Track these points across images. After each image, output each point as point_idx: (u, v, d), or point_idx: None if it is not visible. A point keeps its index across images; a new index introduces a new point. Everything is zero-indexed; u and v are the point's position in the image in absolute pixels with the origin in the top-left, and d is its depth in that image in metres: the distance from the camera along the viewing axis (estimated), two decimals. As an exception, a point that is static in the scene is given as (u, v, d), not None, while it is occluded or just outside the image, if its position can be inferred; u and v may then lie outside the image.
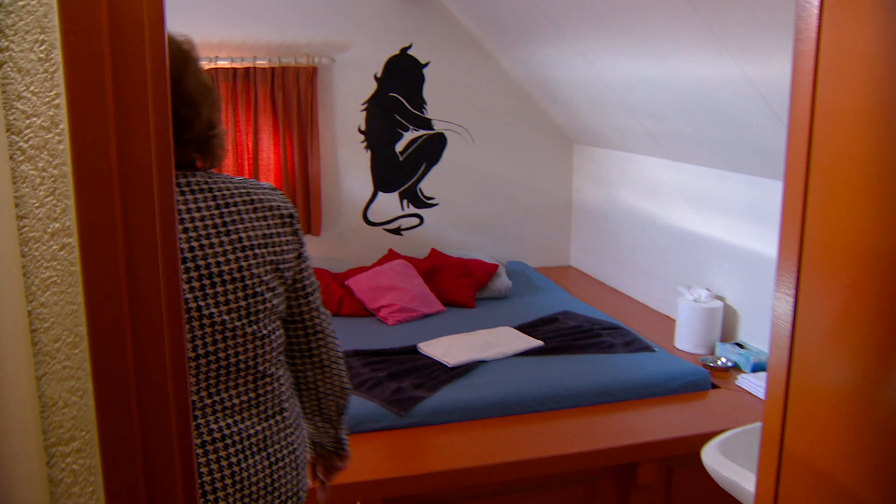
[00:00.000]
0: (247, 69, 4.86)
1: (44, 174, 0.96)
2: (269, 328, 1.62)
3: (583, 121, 5.01)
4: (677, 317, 3.98)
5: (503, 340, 3.84)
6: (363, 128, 5.21)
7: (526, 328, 4.06)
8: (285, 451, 1.67)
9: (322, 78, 5.06)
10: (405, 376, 3.44)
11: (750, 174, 3.71)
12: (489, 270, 4.75)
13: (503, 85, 5.33)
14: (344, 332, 4.06)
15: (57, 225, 0.98)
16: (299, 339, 1.76)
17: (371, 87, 5.15)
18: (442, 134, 5.32)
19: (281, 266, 1.62)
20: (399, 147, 5.29)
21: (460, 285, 4.62)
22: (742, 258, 3.82)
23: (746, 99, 3.14)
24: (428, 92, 5.23)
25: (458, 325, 4.18)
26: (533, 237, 5.62)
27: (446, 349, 3.71)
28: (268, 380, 1.65)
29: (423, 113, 5.26)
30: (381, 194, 5.34)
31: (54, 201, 0.97)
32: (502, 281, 4.76)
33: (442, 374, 3.48)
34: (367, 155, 5.26)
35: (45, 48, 0.94)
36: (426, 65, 5.18)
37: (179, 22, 4.75)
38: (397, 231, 5.40)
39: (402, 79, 5.17)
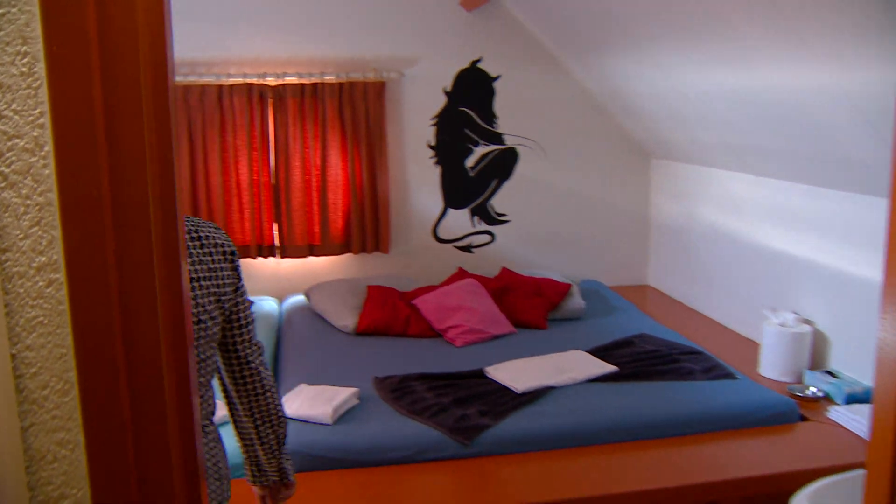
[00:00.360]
0: (315, 85, 4.81)
1: (28, 202, 0.86)
2: (206, 354, 1.74)
3: (660, 134, 4.80)
4: (762, 342, 3.73)
5: (575, 365, 3.66)
6: (433, 143, 5.11)
7: (599, 352, 3.87)
8: (210, 463, 1.79)
9: (391, 93, 4.98)
10: (471, 402, 3.30)
11: (841, 190, 3.46)
12: (562, 290, 4.57)
13: (577, 97, 5.16)
14: (409, 353, 3.96)
15: (43, 259, 0.87)
16: (232, 369, 1.86)
17: (440, 102, 5.04)
18: (513, 149, 5.17)
19: (222, 298, 1.76)
20: (469, 162, 5.16)
21: (531, 305, 4.45)
22: (832, 279, 3.56)
23: (838, 110, 2.90)
24: (499, 106, 5.10)
25: (529, 347, 4.01)
26: (608, 255, 5.42)
27: (515, 374, 3.55)
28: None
29: (493, 127, 5.12)
30: (451, 211, 5.22)
31: (40, 232, 0.86)
32: (575, 301, 4.58)
33: (509, 400, 3.32)
34: (437, 171, 5.15)
35: (28, 61, 0.83)
36: (497, 78, 5.05)
37: (247, 39, 4.75)
38: (468, 248, 5.26)
39: (472, 92, 5.05)
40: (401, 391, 3.43)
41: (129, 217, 0.88)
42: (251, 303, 1.91)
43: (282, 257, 5.05)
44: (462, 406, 3.26)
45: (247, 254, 4.98)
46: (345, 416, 3.21)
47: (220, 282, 1.75)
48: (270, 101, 4.82)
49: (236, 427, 1.96)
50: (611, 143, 5.27)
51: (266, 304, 4.89)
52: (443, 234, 5.24)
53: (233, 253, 1.81)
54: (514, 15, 4.95)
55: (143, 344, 0.91)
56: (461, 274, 4.83)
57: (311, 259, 5.11)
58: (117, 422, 0.91)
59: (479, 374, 3.62)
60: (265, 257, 5.04)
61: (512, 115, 5.12)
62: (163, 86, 0.89)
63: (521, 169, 5.20)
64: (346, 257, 5.16)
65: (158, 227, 0.90)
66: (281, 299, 5.11)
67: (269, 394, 1.90)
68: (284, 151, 4.89)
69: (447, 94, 5.03)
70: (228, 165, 4.85)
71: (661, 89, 4.15)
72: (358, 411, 3.26)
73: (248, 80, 4.76)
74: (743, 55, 3.16)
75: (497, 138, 5.14)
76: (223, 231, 1.82)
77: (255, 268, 5.12)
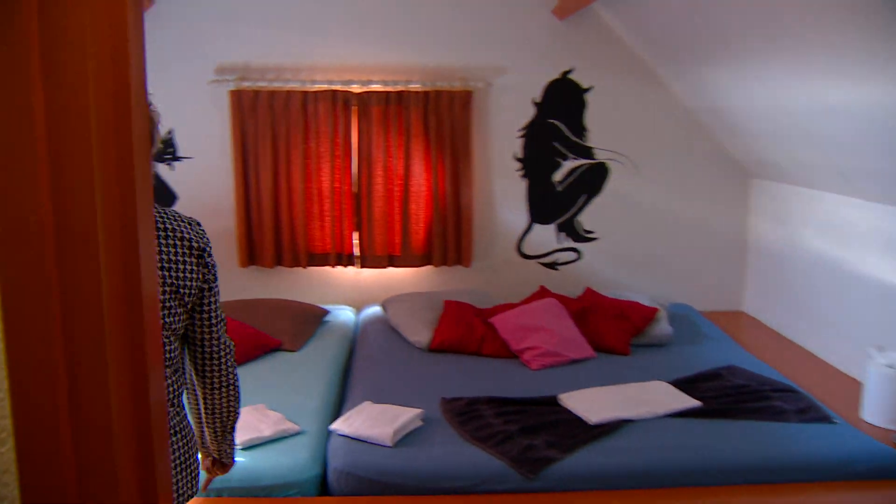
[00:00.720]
0: (400, 93, 4.72)
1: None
2: (167, 346, 1.80)
3: (761, 153, 4.50)
4: (865, 383, 3.40)
5: (655, 397, 3.42)
6: (520, 155, 4.94)
7: (683, 384, 3.61)
8: (179, 460, 1.85)
9: (478, 102, 4.84)
10: (539, 432, 3.11)
11: (963, 220, 3.12)
12: (648, 315, 4.32)
13: (672, 112, 4.90)
14: (481, 374, 3.81)
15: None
16: (195, 360, 1.92)
17: (529, 113, 4.87)
18: (604, 164, 4.95)
19: (182, 290, 1.79)
20: (557, 176, 4.97)
21: (615, 329, 4.22)
22: (949, 319, 3.22)
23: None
24: (590, 119, 4.89)
25: (608, 374, 3.80)
26: (701, 279, 5.12)
27: (589, 403, 3.34)
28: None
29: (584, 141, 4.91)
30: (536, 226, 5.04)
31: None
32: (662, 327, 4.32)
33: (581, 431, 3.12)
34: (524, 184, 4.98)
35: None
36: (588, 90, 4.84)
37: (334, 45, 4.70)
38: (553, 265, 5.07)
39: (562, 104, 4.86)
40: (467, 415, 3.27)
41: (75, 245, 0.75)
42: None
43: (361, 267, 4.98)
44: (529, 435, 3.08)
45: (326, 262, 4.93)
46: (406, 439, 3.07)
47: (181, 275, 1.78)
48: (355, 108, 4.76)
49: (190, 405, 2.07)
50: (707, 161, 4.98)
51: (343, 314, 4.82)
52: (527, 250, 5.06)
53: (202, 250, 1.83)
54: (609, 24, 4.74)
55: (90, 389, 0.78)
56: (542, 293, 4.64)
57: (391, 270, 5.01)
58: (58, 478, 0.79)
59: (552, 401, 3.43)
60: (344, 266, 4.98)
61: (603, 128, 4.90)
62: (123, 91, 0.76)
63: (611, 185, 4.98)
64: (425, 270, 5.05)
65: (115, 256, 0.77)
66: (358, 309, 5.03)
67: (227, 388, 1.98)
68: (367, 160, 4.81)
69: (536, 105, 4.86)
70: (311, 172, 4.80)
71: (763, 105, 3.87)
72: (420, 434, 3.12)
73: (333, 87, 4.70)
74: (853, 68, 2.88)
75: (587, 152, 4.94)
76: (202, 228, 1.88)
77: (334, 276, 5.06)
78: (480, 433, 3.10)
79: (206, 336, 1.89)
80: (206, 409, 2.01)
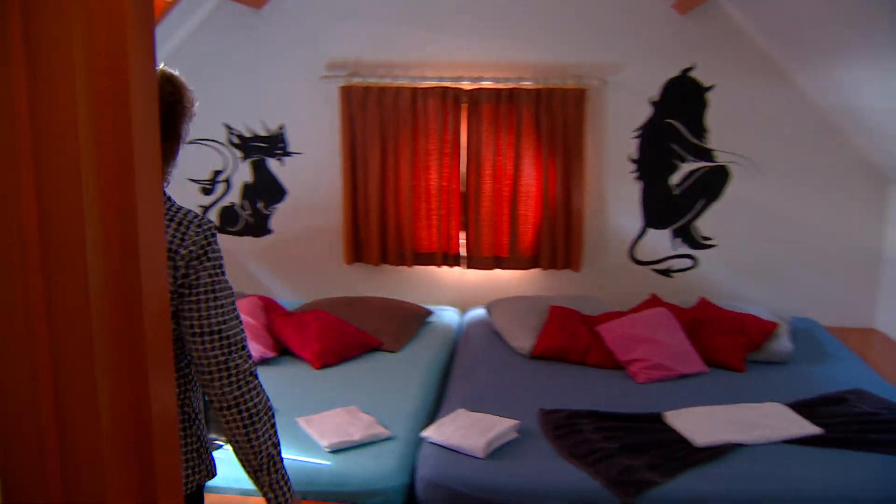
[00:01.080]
0: (511, 90, 4.59)
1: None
2: None
3: (901, 157, 4.14)
4: None
5: (770, 420, 3.17)
6: (635, 157, 4.73)
7: (803, 407, 3.34)
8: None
9: (591, 101, 4.65)
10: (641, 451, 2.93)
11: None
12: (766, 329, 4.04)
13: (802, 112, 4.56)
14: (584, 385, 3.66)
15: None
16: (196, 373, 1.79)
17: (646, 113, 4.65)
18: (724, 167, 4.67)
19: None
20: (674, 179, 4.73)
21: (729, 344, 3.97)
22: None
23: None
24: (711, 119, 4.62)
25: (720, 392, 3.56)
26: (828, 291, 4.76)
27: (697, 423, 3.13)
28: None
29: (703, 142, 4.65)
30: (650, 231, 4.81)
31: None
32: (782, 343, 4.03)
33: (686, 454, 2.92)
34: (638, 186, 4.77)
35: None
36: (710, 88, 4.57)
37: (445, 41, 4.62)
38: (666, 272, 4.83)
39: (681, 103, 4.62)
40: (566, 428, 3.12)
41: (60, 257, 0.67)
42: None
43: (467, 268, 4.89)
44: (630, 455, 2.90)
45: (431, 261, 4.87)
46: (499, 451, 2.95)
47: None
48: (464, 105, 4.67)
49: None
50: (840, 165, 4.62)
51: (447, 315, 4.75)
52: (640, 256, 4.84)
53: (174, 251, 1.68)
54: (734, 18, 4.45)
55: (77, 420, 0.70)
56: (654, 301, 4.42)
57: (497, 272, 4.90)
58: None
59: (657, 419, 3.23)
60: (450, 266, 4.90)
61: (725, 129, 4.62)
62: (122, 89, 0.67)
63: (732, 189, 4.69)
64: (533, 273, 4.91)
65: (109, 274, 0.69)
66: (463, 311, 4.94)
67: (228, 412, 1.75)
68: (476, 158, 4.71)
69: (653, 104, 4.63)
70: (419, 170, 4.75)
71: (905, 106, 3.55)
72: (514, 447, 3.00)
73: (444, 84, 4.62)
74: None
75: (707, 154, 4.67)
76: (194, 230, 1.71)
77: (440, 276, 4.99)
78: (578, 449, 2.94)
79: (194, 348, 1.72)
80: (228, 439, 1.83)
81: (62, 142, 0.66)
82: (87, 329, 0.69)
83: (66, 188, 0.67)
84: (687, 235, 4.79)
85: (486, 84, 4.61)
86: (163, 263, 0.78)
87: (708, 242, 4.79)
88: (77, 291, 0.68)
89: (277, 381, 3.65)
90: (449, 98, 4.63)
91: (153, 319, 0.75)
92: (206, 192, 5.05)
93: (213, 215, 5.07)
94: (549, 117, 4.61)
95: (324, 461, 2.87)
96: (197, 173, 5.02)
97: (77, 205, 0.67)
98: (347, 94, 4.68)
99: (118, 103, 0.68)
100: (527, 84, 4.59)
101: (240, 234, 5.09)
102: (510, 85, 4.60)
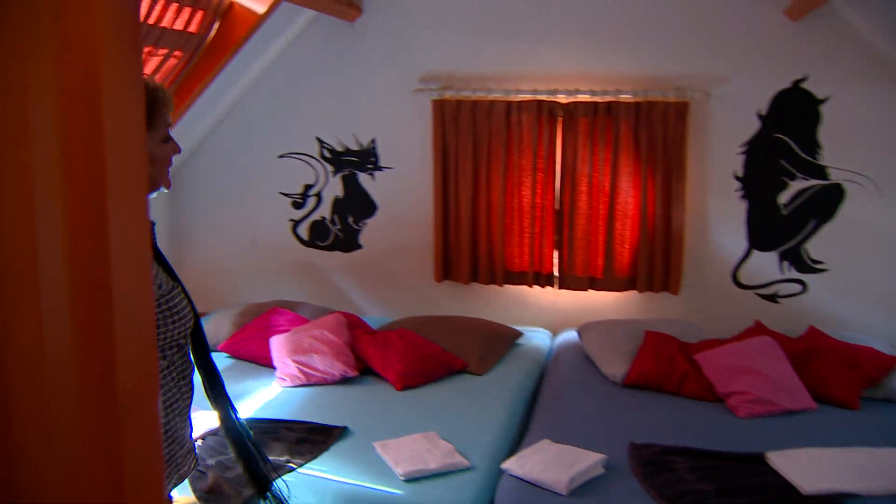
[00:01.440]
0: (609, 103, 4.41)
1: None
2: None
3: None
4: None
5: (890, 468, 2.87)
6: (740, 174, 4.46)
7: (926, 453, 3.02)
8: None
9: (694, 115, 4.41)
10: (739, 495, 2.69)
11: None
12: (885, 363, 3.71)
13: (928, 127, 4.20)
14: (679, 417, 3.46)
15: None
16: None
17: (752, 127, 4.38)
18: (839, 185, 4.34)
19: None
20: (783, 198, 4.43)
21: (842, 378, 3.65)
22: None
23: None
24: (825, 134, 4.30)
25: (831, 432, 3.27)
26: (957, 323, 4.37)
27: (805, 466, 2.86)
28: None
29: (816, 159, 4.34)
30: (756, 252, 4.52)
31: None
32: (902, 379, 3.69)
33: (790, 501, 2.66)
34: (743, 205, 4.49)
35: None
36: (824, 101, 4.26)
37: (540, 53, 4.48)
38: (773, 298, 4.53)
39: (791, 117, 4.32)
40: (657, 466, 2.91)
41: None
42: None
43: (560, 288, 4.71)
44: (727, 499, 2.66)
45: (523, 281, 4.72)
46: (583, 488, 2.77)
47: None
48: (560, 119, 4.51)
49: None
50: (970, 186, 4.23)
51: (537, 337, 4.58)
52: (743, 279, 4.56)
53: None
54: (853, 23, 4.12)
55: None
56: (758, 329, 4.13)
57: (591, 293, 4.70)
58: None
59: (759, 459, 2.98)
60: (542, 286, 4.74)
61: (840, 145, 4.30)
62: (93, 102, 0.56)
63: (846, 209, 4.35)
64: (629, 295, 4.68)
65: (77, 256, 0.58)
66: (555, 333, 4.76)
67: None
68: (571, 174, 4.54)
69: (761, 118, 4.36)
70: (511, 186, 4.62)
71: None
72: (599, 483, 2.81)
73: (538, 97, 4.48)
74: None
75: (819, 172, 4.35)
76: None
77: (531, 297, 4.83)
78: (669, 490, 2.73)
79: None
80: None
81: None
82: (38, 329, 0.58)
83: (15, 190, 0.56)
84: (796, 258, 4.48)
85: (583, 97, 4.44)
86: (143, 263, 0.67)
87: (819, 266, 4.46)
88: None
89: (357, 402, 3.56)
90: (544, 112, 4.48)
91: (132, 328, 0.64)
92: (297, 205, 5.04)
93: (304, 229, 5.05)
94: (649, 132, 4.39)
95: (396, 490, 2.75)
96: (288, 187, 5.02)
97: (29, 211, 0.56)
98: (440, 107, 4.59)
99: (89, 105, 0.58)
100: (625, 97, 4.39)
101: (329, 248, 5.06)
102: (608, 98, 4.41)
